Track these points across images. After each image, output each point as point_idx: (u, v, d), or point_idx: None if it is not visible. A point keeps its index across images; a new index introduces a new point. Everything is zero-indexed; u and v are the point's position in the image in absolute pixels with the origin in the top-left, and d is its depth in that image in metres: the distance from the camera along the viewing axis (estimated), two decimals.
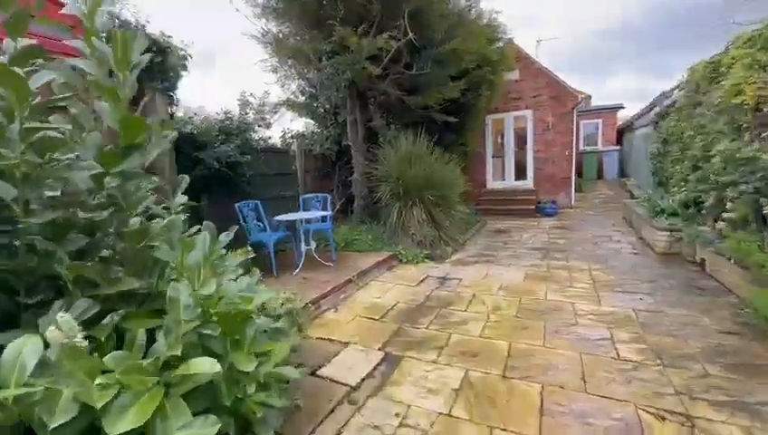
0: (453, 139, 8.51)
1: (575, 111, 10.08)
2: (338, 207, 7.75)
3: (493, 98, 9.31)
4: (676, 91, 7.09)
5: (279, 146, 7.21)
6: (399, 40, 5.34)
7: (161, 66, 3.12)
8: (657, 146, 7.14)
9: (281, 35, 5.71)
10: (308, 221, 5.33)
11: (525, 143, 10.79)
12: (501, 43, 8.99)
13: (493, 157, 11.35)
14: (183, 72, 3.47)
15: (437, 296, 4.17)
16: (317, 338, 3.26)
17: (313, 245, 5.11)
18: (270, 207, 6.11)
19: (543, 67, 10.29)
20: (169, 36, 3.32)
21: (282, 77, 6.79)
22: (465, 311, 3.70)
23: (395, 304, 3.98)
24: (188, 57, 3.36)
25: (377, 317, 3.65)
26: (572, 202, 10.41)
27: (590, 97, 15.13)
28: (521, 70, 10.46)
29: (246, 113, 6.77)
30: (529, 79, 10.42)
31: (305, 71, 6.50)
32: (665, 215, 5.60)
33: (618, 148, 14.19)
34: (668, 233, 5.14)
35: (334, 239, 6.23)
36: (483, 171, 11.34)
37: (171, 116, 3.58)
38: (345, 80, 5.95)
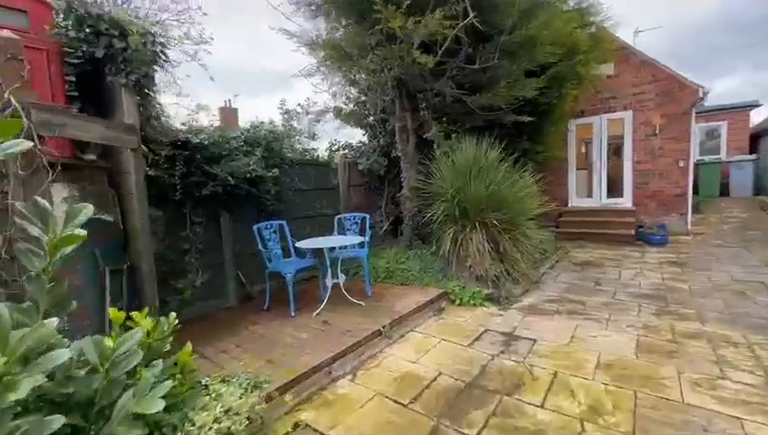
0: (527, 147, 7.04)
1: (694, 109, 7.83)
2: (386, 226, 6.79)
3: (580, 97, 7.63)
4: None
5: (322, 158, 6.53)
6: (458, 23, 4.25)
7: (124, 54, 2.50)
8: None
9: (317, 33, 5.01)
10: (340, 247, 4.43)
11: (621, 152, 8.74)
12: (593, 28, 7.30)
13: (577, 169, 9.44)
14: (160, 63, 2.83)
15: (500, 369, 2.90)
16: (313, 429, 2.26)
17: (343, 278, 4.17)
18: (307, 226, 5.40)
19: (648, 57, 8.24)
20: (137, 17, 2.74)
21: (325, 81, 6.13)
22: (543, 406, 2.40)
23: (435, 377, 2.82)
24: (161, 43, 2.72)
25: (405, 401, 2.53)
26: (689, 227, 8.06)
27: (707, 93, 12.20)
28: (617, 63, 8.53)
29: (288, 124, 6.23)
30: (628, 73, 8.43)
31: (351, 73, 5.74)
32: None
33: (753, 157, 11.03)
34: None
35: (375, 266, 5.27)
36: (564, 186, 9.48)
37: (150, 118, 2.96)
38: (392, 78, 5.02)
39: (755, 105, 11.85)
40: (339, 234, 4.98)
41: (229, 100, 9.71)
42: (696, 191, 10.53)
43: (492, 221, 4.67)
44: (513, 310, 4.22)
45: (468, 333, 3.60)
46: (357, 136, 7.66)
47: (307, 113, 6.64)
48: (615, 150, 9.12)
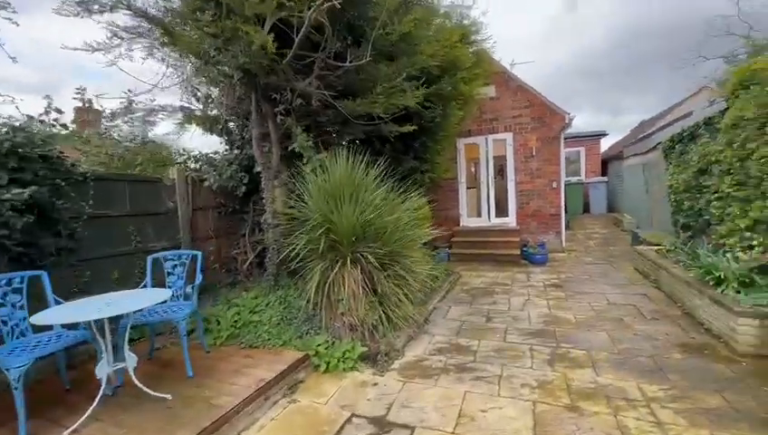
0: (414, 166, 6.45)
1: (562, 134, 8.38)
2: (251, 259, 5.36)
3: (466, 115, 7.45)
4: (702, 107, 5.40)
5: (145, 172, 4.86)
6: (315, 2, 3.26)
7: None
8: (684, 178, 5.33)
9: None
10: (134, 312, 2.90)
11: (505, 173, 8.94)
12: (474, 47, 7.22)
13: (468, 189, 9.41)
14: None
15: None
16: None
17: (132, 361, 2.65)
18: (115, 269, 3.73)
19: (524, 83, 8.64)
20: None
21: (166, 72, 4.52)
22: None
23: None
24: None
25: None
26: (564, 244, 8.50)
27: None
28: (497, 86, 8.77)
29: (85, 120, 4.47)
30: (507, 97, 8.72)
31: (190, 58, 4.30)
32: (729, 285, 3.60)
33: (605, 179, 12.72)
34: (759, 321, 3.09)
35: (218, 320, 3.85)
36: (456, 206, 9.33)
37: None
38: (236, 68, 3.78)
39: (604, 134, 13.87)
40: (153, 282, 3.44)
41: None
42: (565, 210, 11.62)
43: (367, 255, 3.71)
44: (392, 372, 3.26)
45: (325, 429, 2.48)
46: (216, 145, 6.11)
47: (130, 110, 4.89)
48: (500, 171, 9.35)
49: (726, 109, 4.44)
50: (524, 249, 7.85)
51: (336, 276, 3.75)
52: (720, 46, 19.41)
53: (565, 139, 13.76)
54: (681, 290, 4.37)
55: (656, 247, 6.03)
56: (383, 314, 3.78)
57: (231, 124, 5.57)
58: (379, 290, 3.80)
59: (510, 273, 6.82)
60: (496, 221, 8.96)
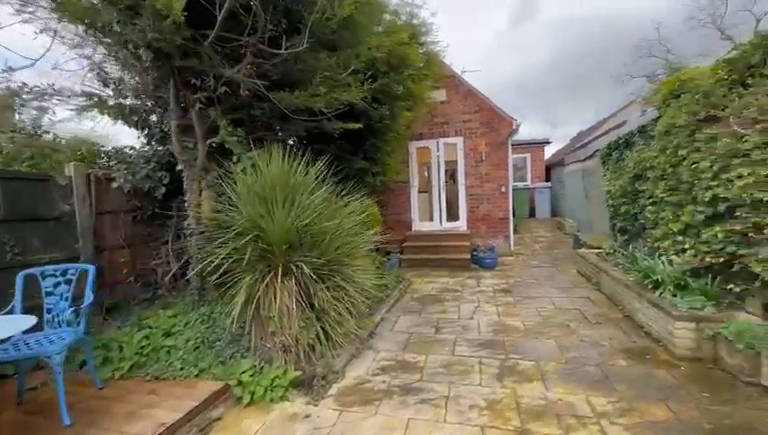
0: (363, 167, 6.12)
1: (510, 139, 8.53)
2: (174, 271, 4.67)
3: (416, 117, 7.28)
4: (636, 117, 5.66)
5: (25, 168, 4.05)
6: None
7: None
8: (620, 183, 5.54)
9: None
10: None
11: (456, 177, 8.92)
12: (424, 48, 7.08)
13: (420, 192, 9.27)
14: None
15: None
16: None
17: None
18: None
19: (474, 88, 8.70)
20: None
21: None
22: None
23: None
24: None
25: None
26: (512, 248, 8.63)
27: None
28: (448, 90, 8.74)
29: None
30: (458, 101, 8.72)
31: (98, 36, 3.60)
32: (666, 289, 3.66)
33: (549, 185, 13.33)
34: (694, 324, 3.12)
35: (120, 346, 3.21)
36: (408, 210, 9.14)
37: None
38: (147, 47, 3.18)
39: (548, 142, 14.58)
40: (26, 305, 2.73)
41: None
42: (513, 214, 11.97)
43: (303, 265, 3.28)
44: (329, 399, 2.86)
45: None
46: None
47: (14, 93, 4.03)
48: (452, 175, 9.33)
49: (659, 117, 4.62)
50: (475, 253, 7.83)
51: (266, 290, 3.28)
52: (645, 66, 21.49)
53: (512, 145, 14.24)
54: (621, 293, 4.45)
55: (596, 250, 6.23)
56: (321, 332, 3.37)
57: (153, 117, 4.86)
58: (317, 304, 3.38)
59: (461, 278, 6.70)
60: (448, 225, 8.90)
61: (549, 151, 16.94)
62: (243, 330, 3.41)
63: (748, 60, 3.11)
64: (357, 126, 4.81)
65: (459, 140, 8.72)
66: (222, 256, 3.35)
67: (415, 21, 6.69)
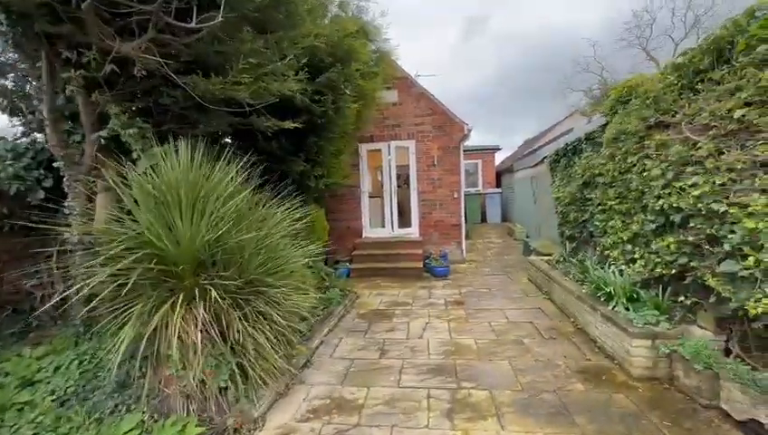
0: (305, 169, 5.52)
1: (462, 144, 8.37)
2: (60, 294, 3.73)
3: (366, 116, 6.83)
4: (583, 123, 5.65)
5: None
6: None
7: None
8: (569, 190, 5.48)
9: None
10: None
11: (409, 181, 8.59)
12: (374, 45, 6.68)
13: (371, 197, 8.81)
14: None
15: None
16: None
17: None
18: None
19: (426, 91, 8.45)
20: None
21: None
22: None
23: None
24: None
25: None
26: (464, 255, 8.45)
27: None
28: (400, 91, 8.41)
29: None
30: (410, 103, 8.41)
31: None
32: (619, 301, 3.51)
33: (499, 190, 13.54)
34: (650, 342, 2.94)
35: None
36: (359, 216, 8.64)
37: None
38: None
39: (498, 149, 14.88)
40: None
41: None
42: (465, 219, 11.95)
43: (211, 291, 2.63)
44: None
45: None
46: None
47: None
48: (405, 179, 8.98)
49: (606, 124, 4.56)
50: (427, 261, 7.52)
51: (165, 321, 2.59)
52: (584, 80, 23.05)
53: (464, 151, 14.36)
54: (573, 304, 4.28)
55: (546, 258, 6.15)
56: (238, 370, 2.73)
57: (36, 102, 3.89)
58: (232, 337, 2.74)
59: (412, 289, 6.31)
60: (400, 232, 8.53)
61: (499, 158, 17.41)
62: (135, 372, 2.68)
63: (697, 65, 3.01)
64: (293, 125, 4.22)
65: (411, 144, 8.41)
66: (105, 278, 2.61)
67: (364, 17, 6.28)
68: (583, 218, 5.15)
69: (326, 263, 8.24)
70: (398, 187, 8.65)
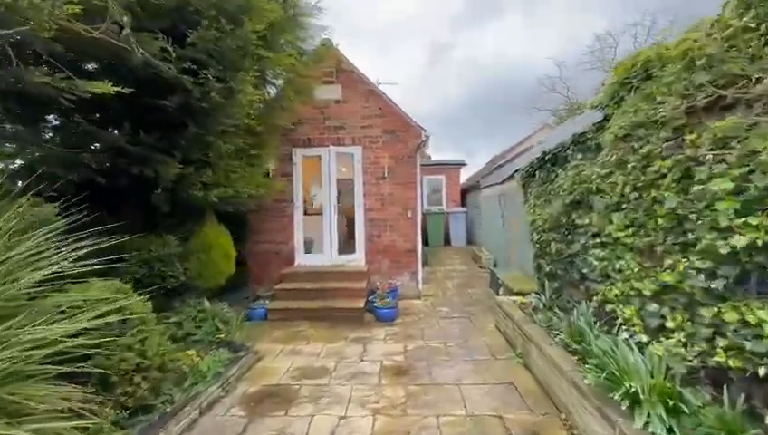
0: (184, 173, 3.76)
1: (419, 153, 6.94)
2: None
3: (289, 106, 5.22)
4: (564, 127, 4.34)
5: None
6: None
7: None
8: (549, 212, 4.08)
9: None
10: None
11: (353, 196, 7.00)
12: (310, 31, 5.14)
13: (306, 215, 7.12)
14: None
15: None
16: None
17: None
18: None
19: (377, 88, 7.00)
20: None
21: None
22: None
23: None
24: None
25: None
26: (420, 287, 6.88)
27: (428, 136, 13.23)
28: (345, 87, 6.91)
29: None
30: (356, 101, 6.91)
31: None
32: (652, 413, 2.01)
33: (464, 210, 12.25)
34: None
35: None
36: (289, 237, 6.89)
37: None
38: None
39: (463, 164, 13.72)
40: None
41: None
42: (426, 241, 10.51)
43: None
44: None
45: None
46: None
47: None
48: (349, 194, 7.38)
49: (604, 120, 3.21)
50: (371, 299, 5.86)
51: None
52: (549, 101, 22.90)
53: (427, 166, 13.00)
54: (563, 389, 2.76)
55: (518, 299, 4.69)
56: None
57: None
58: None
59: (342, 343, 4.61)
60: (341, 259, 6.85)
61: (464, 175, 16.33)
62: None
63: None
64: (112, 89, 2.50)
65: (357, 150, 6.86)
66: None
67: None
68: (570, 252, 3.71)
69: (247, 299, 6.41)
70: (340, 203, 7.03)
